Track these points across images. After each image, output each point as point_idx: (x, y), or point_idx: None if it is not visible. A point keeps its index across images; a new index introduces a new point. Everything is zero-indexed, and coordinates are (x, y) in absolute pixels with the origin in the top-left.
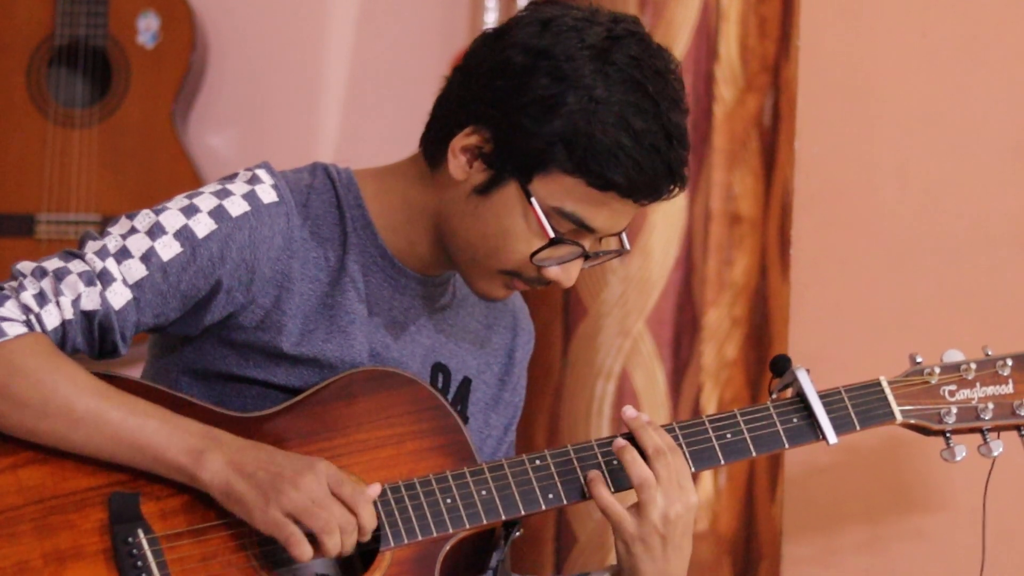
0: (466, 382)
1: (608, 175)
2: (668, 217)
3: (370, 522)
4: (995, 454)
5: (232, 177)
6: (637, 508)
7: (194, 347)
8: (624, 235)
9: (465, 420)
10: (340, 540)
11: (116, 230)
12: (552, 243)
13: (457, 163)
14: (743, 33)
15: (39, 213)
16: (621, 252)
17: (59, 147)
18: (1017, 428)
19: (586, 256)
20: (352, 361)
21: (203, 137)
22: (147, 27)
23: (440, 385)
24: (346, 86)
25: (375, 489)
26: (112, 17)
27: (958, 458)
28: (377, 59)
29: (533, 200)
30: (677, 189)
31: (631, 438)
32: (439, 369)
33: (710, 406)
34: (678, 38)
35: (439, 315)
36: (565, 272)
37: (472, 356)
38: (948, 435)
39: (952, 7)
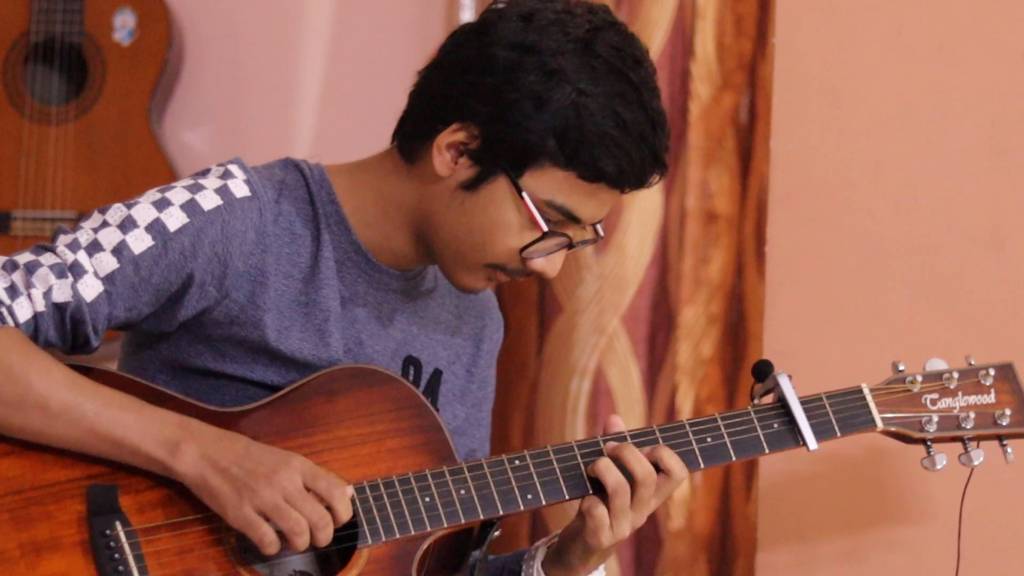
0: (436, 374)
1: (600, 166)
2: (644, 215)
3: (345, 516)
4: (975, 463)
5: (204, 172)
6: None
7: (170, 343)
8: (599, 224)
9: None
10: (309, 539)
11: (88, 224)
12: (544, 236)
13: (442, 159)
14: (719, 31)
15: (15, 210)
16: (597, 239)
17: (35, 144)
18: (998, 438)
19: (569, 246)
20: (328, 359)
21: (179, 134)
22: (123, 24)
23: (411, 378)
24: (322, 84)
25: (347, 491)
26: (88, 14)
27: (938, 467)
28: (353, 57)
29: (525, 195)
30: (658, 177)
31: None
32: (410, 362)
33: (686, 404)
34: (654, 36)
35: (412, 307)
36: (550, 263)
37: (443, 347)
38: (929, 444)
39: (927, 5)
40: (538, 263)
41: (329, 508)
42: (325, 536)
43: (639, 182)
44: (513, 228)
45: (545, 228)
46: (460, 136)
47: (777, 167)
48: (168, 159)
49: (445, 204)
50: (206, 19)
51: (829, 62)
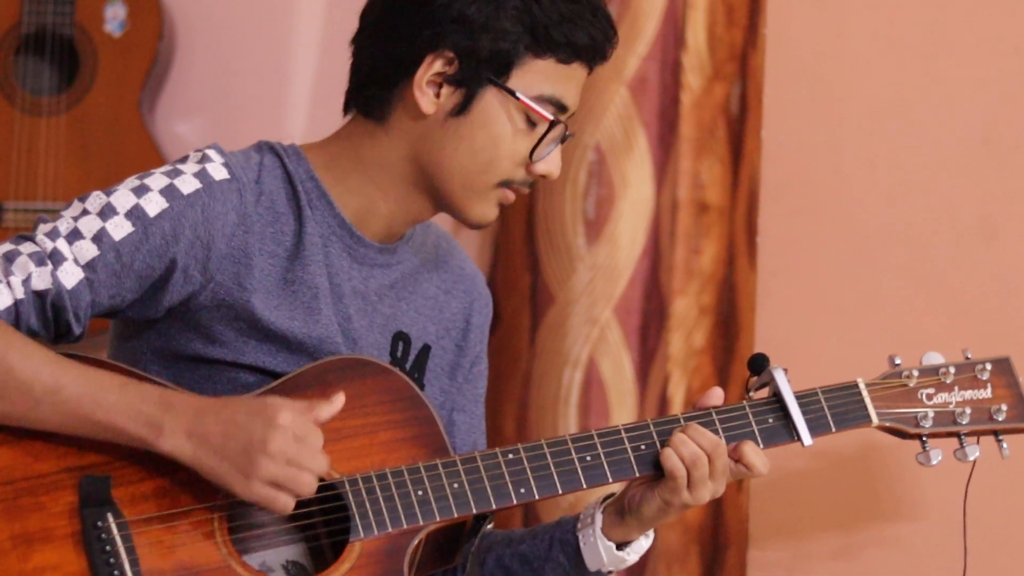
0: (425, 349)
1: (575, 43)
2: (635, 205)
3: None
4: (971, 459)
5: (183, 159)
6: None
7: (158, 332)
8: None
9: (422, 387)
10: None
11: (68, 212)
12: (550, 127)
13: (426, 97)
14: (711, 21)
15: (6, 201)
16: (571, 135)
17: (26, 135)
18: (994, 433)
19: (563, 139)
20: (318, 336)
21: (170, 126)
22: (114, 15)
23: (400, 354)
24: (314, 75)
25: (339, 399)
26: (79, 5)
27: (934, 462)
28: (345, 48)
29: (520, 95)
30: (615, 45)
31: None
32: (399, 338)
33: (678, 395)
34: (645, 26)
35: (400, 283)
36: (554, 163)
37: (432, 322)
38: (924, 439)
39: None
40: (542, 166)
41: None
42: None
43: (605, 52)
44: (512, 136)
45: (551, 117)
46: (437, 67)
47: (768, 158)
48: (160, 150)
49: (439, 139)
50: (197, 10)
51: (820, 53)
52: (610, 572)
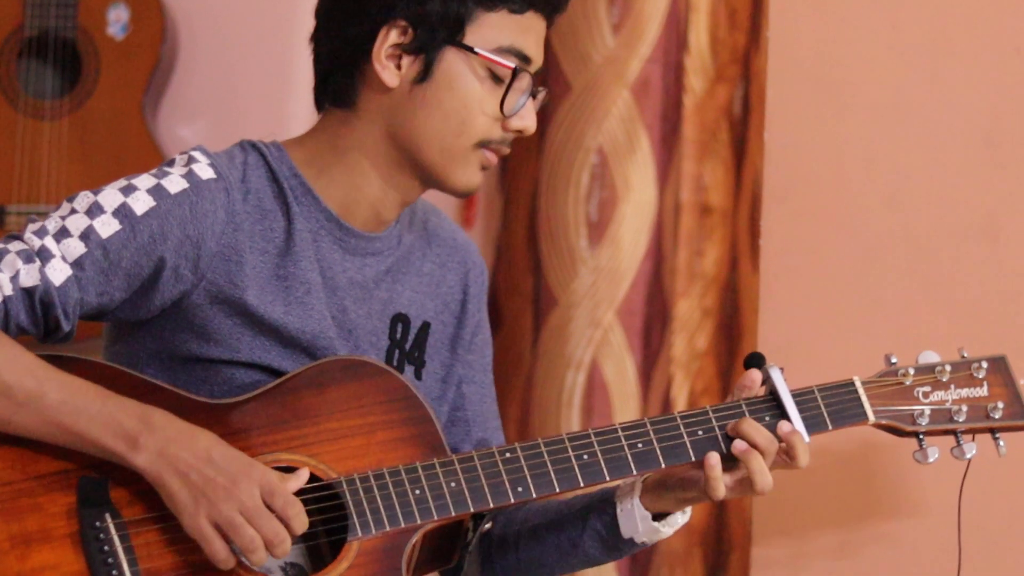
0: (425, 326)
1: None
2: (638, 208)
3: (300, 531)
4: (968, 456)
5: (170, 162)
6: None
7: (151, 333)
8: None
9: (422, 364)
10: (265, 555)
11: (56, 212)
12: (514, 76)
13: (388, 71)
14: (713, 24)
15: (9, 204)
16: (549, 91)
17: (29, 138)
18: (990, 431)
19: (533, 95)
20: (313, 331)
21: (173, 129)
22: (117, 18)
23: (399, 336)
24: None
25: (303, 475)
26: (82, 9)
27: (930, 460)
28: None
29: (478, 50)
30: None
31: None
32: (398, 320)
33: (681, 397)
34: (648, 28)
35: (394, 266)
36: (528, 117)
37: (430, 298)
38: (921, 437)
39: None
40: (516, 121)
41: (285, 525)
42: (282, 551)
43: (557, 2)
44: (480, 93)
45: (512, 66)
46: (392, 38)
47: (771, 160)
48: (162, 154)
49: (410, 110)
50: (200, 13)
51: (823, 55)
52: (643, 543)
